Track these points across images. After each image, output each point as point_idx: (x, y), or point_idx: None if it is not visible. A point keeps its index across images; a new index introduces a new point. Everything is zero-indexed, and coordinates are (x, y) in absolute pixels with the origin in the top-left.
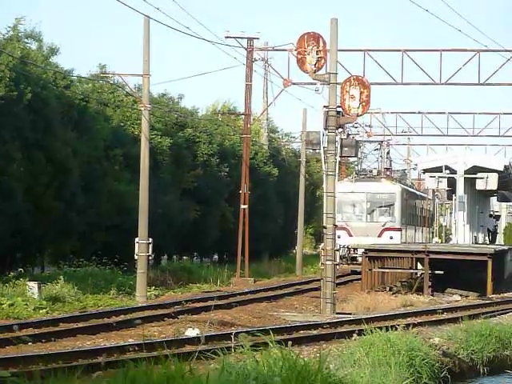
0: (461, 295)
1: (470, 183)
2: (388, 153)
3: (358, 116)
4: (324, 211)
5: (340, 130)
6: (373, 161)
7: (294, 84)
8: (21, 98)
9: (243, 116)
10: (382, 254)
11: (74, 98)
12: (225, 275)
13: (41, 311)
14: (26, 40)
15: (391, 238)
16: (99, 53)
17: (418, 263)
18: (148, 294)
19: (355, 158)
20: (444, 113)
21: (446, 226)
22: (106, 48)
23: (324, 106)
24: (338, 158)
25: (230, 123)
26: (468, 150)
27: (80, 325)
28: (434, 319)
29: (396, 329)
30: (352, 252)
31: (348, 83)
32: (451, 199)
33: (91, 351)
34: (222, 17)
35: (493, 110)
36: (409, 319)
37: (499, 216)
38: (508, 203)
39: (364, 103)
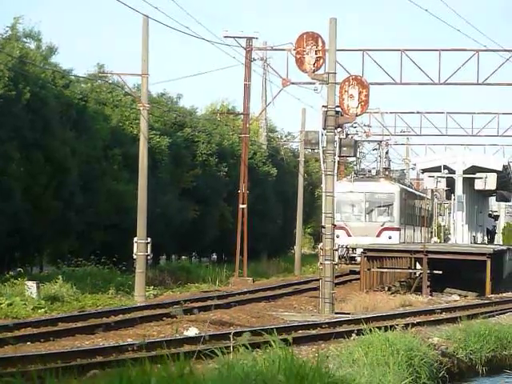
0: (459, 295)
1: (468, 183)
2: (387, 153)
3: (356, 116)
4: (323, 211)
5: (339, 129)
6: (372, 161)
7: (292, 84)
8: (19, 98)
9: (242, 116)
10: (381, 253)
11: (72, 97)
12: (223, 275)
13: (39, 311)
14: (24, 39)
15: (390, 237)
16: (98, 52)
17: (417, 263)
18: (146, 293)
19: (354, 158)
20: (443, 113)
21: (444, 226)
22: (105, 47)
23: (323, 106)
24: (337, 158)
25: (229, 123)
26: (467, 150)
27: (79, 324)
28: (432, 319)
29: (395, 329)
30: (351, 252)
31: (347, 83)
32: (450, 199)
33: (90, 351)
34: (222, 17)
35: (492, 110)
36: (407, 319)
37: (498, 216)
38: (507, 203)
39: (363, 103)
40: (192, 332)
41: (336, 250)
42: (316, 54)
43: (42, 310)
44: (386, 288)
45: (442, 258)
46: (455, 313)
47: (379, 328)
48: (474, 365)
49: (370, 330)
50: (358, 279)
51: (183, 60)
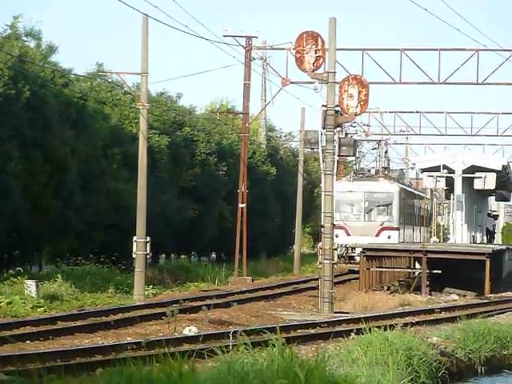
0: (459, 295)
1: (468, 183)
2: (386, 152)
3: (356, 115)
4: (322, 210)
5: (338, 129)
6: (371, 160)
7: (292, 83)
8: (19, 97)
9: (241, 115)
10: (380, 253)
11: (72, 96)
12: (223, 274)
13: (39, 309)
14: (24, 38)
15: (389, 237)
16: (98, 51)
17: (416, 262)
18: (146, 292)
19: (353, 158)
20: (442, 112)
21: (443, 226)
22: (104, 46)
23: (322, 105)
24: (336, 157)
25: (228, 122)
26: (466, 150)
27: (78, 323)
28: (431, 318)
29: (394, 328)
30: (350, 251)
31: (346, 82)
32: (449, 199)
33: (89, 350)
34: (221, 16)
35: (491, 110)
36: (407, 318)
37: (497, 215)
38: (506, 203)
39: (362, 102)
40: (191, 331)
41: (335, 249)
42: (316, 53)
43: (42, 308)
44: (385, 287)
45: (441, 258)
46: (454, 312)
47: (378, 327)
48: (473, 364)
49: (370, 330)
50: (357, 279)
51: (183, 59)
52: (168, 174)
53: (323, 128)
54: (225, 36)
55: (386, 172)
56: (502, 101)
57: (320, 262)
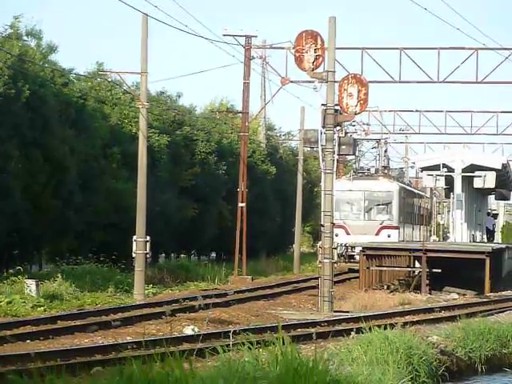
0: (458, 293)
1: (467, 181)
2: (386, 151)
3: (355, 114)
4: (322, 209)
5: (338, 128)
6: (370, 159)
7: (291, 82)
8: (19, 96)
9: (241, 114)
10: (380, 252)
11: (71, 95)
12: (222, 273)
13: (39, 309)
14: (25, 38)
15: (389, 236)
16: (98, 51)
17: (416, 261)
18: (146, 291)
19: (353, 157)
20: (442, 111)
21: (443, 225)
22: (104, 46)
23: (322, 104)
24: (336, 156)
25: (228, 121)
26: (466, 149)
27: (78, 323)
28: (431, 317)
29: (394, 327)
30: (350, 250)
31: (346, 81)
32: (449, 197)
33: (89, 349)
34: (221, 16)
35: (491, 109)
36: (407, 317)
37: (497, 214)
38: (506, 201)
39: (362, 101)
40: (191, 330)
41: (335, 248)
42: (315, 52)
43: (42, 308)
44: (385, 286)
45: (440, 257)
46: (454, 311)
47: (378, 326)
48: (473, 363)
49: (370, 329)
50: (357, 278)
51: (182, 59)
52: (168, 174)
53: (323, 127)
54: (224, 35)
55: (386, 171)
56: (502, 99)
57: (320, 261)
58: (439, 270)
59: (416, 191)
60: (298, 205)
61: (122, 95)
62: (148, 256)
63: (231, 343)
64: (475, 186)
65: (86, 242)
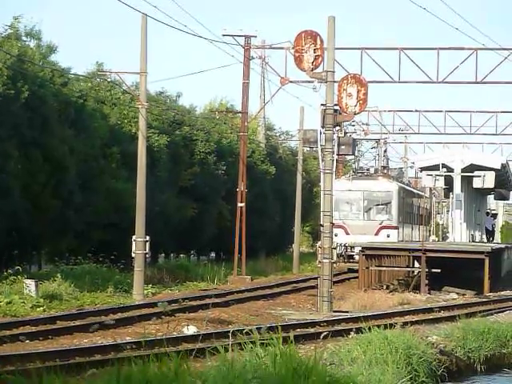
0: (458, 293)
1: (466, 181)
2: (385, 151)
3: (355, 114)
4: (321, 209)
5: (337, 128)
6: (370, 159)
7: (291, 82)
8: (18, 96)
9: (240, 114)
10: (379, 252)
11: (71, 95)
12: (222, 273)
13: (38, 309)
14: (25, 38)
15: (388, 236)
16: (97, 51)
17: (415, 261)
18: (145, 291)
19: (352, 156)
20: (441, 111)
21: (442, 225)
22: (104, 46)
23: (321, 104)
24: (336, 156)
25: (227, 121)
26: (465, 149)
27: (77, 323)
28: (431, 317)
29: (393, 327)
30: (349, 250)
31: (345, 81)
32: (448, 197)
33: (88, 349)
34: (221, 16)
35: (490, 109)
36: (406, 317)
37: (496, 214)
38: (505, 201)
39: (361, 101)
40: (190, 330)
41: (334, 248)
42: (314, 52)
43: (41, 308)
44: (385, 286)
45: (440, 257)
46: (453, 311)
47: (378, 326)
48: (472, 363)
49: (369, 329)
50: (357, 277)
51: (182, 59)
52: (167, 174)
53: (322, 127)
54: (224, 35)
55: (385, 171)
56: (501, 99)
57: (319, 261)
58: (438, 270)
59: (415, 191)
60: (297, 205)
61: (121, 95)
62: (147, 256)
63: (230, 343)
64: (474, 185)
65: (86, 241)
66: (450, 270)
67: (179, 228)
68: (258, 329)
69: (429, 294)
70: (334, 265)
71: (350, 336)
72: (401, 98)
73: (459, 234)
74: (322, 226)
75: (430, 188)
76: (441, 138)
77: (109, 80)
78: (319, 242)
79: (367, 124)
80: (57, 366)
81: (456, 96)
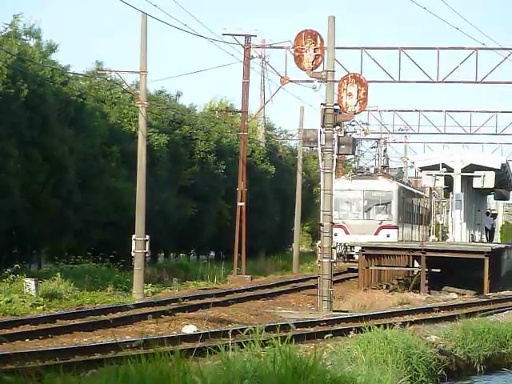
0: (458, 293)
1: (466, 181)
2: (385, 151)
3: (355, 114)
4: (321, 209)
5: (337, 127)
6: (370, 159)
7: (291, 81)
8: (18, 95)
9: (240, 113)
10: (379, 251)
11: (71, 94)
12: (221, 272)
13: (38, 308)
14: (24, 37)
15: (388, 235)
16: (97, 50)
17: (415, 261)
18: (145, 291)
19: (352, 156)
20: (441, 111)
21: (442, 224)
22: (104, 45)
23: (321, 104)
24: (335, 156)
25: (227, 121)
26: (465, 148)
27: (77, 322)
28: (430, 317)
29: (393, 327)
30: (349, 250)
31: (345, 81)
32: (448, 197)
33: (88, 348)
34: (221, 16)
35: (490, 108)
36: (406, 317)
37: (496, 214)
38: (505, 201)
39: (361, 101)
40: (190, 329)
41: (334, 247)
42: (314, 51)
43: (41, 307)
44: (384, 286)
45: (440, 257)
46: (453, 311)
47: (377, 326)
48: (472, 363)
49: (369, 328)
50: (356, 277)
51: (182, 58)
52: (167, 173)
53: (322, 126)
54: (224, 35)
55: (385, 170)
56: (501, 99)
57: (319, 261)
58: (438, 270)
59: (415, 191)
60: (297, 204)
61: (121, 94)
62: (147, 255)
63: (230, 342)
64: (474, 185)
65: (85, 241)
66: (450, 269)
67: (179, 227)
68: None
69: (428, 293)
70: (334, 264)
71: (350, 335)
72: (401, 98)
73: (459, 233)
74: (322, 225)
75: (430, 188)
76: (441, 138)
77: (109, 79)
78: (319, 242)
79: (367, 124)
80: (57, 365)
81: (456, 96)
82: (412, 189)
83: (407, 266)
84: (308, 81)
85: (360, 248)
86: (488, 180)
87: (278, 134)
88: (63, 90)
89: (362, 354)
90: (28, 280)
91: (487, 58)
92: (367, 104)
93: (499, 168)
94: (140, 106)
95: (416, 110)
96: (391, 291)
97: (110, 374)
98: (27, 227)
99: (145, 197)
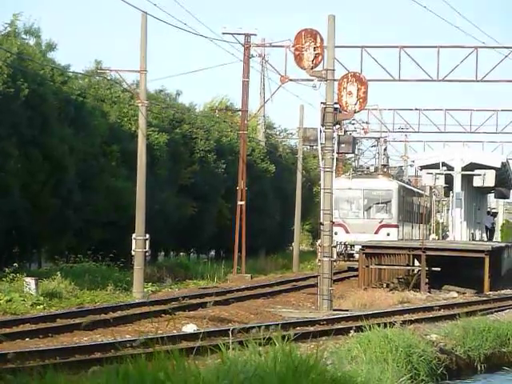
0: (458, 292)
1: (467, 180)
2: (385, 149)
3: (355, 112)
4: (321, 208)
5: (337, 126)
6: (370, 157)
7: (291, 80)
8: (18, 95)
9: (240, 112)
10: (379, 250)
11: (71, 93)
12: (221, 271)
13: (38, 307)
14: (24, 36)
15: (388, 234)
16: (97, 49)
17: (415, 260)
18: (145, 290)
19: (352, 155)
20: (441, 109)
21: (443, 223)
22: (103, 44)
23: (321, 103)
24: (335, 155)
25: (227, 119)
26: (465, 147)
27: (77, 321)
28: (431, 316)
29: (393, 325)
30: (349, 248)
31: (345, 80)
32: (448, 196)
33: (88, 347)
34: (221, 16)
35: (490, 107)
36: (406, 316)
37: (496, 213)
38: (505, 200)
39: (361, 100)
40: (190, 328)
41: (334, 246)
42: (314, 50)
43: (41, 306)
44: (385, 285)
45: (440, 255)
46: (453, 310)
47: (378, 325)
48: (472, 362)
49: (369, 327)
50: (357, 276)
51: (182, 57)
52: (167, 172)
53: (322, 125)
54: (224, 34)
55: (385, 169)
56: (502, 98)
57: (319, 260)
58: (438, 269)
59: (415, 190)
60: (297, 203)
61: (121, 93)
62: (147, 254)
63: (231, 341)
64: (475, 184)
65: (85, 240)
66: (450, 268)
67: (179, 226)
68: (259, 327)
69: (429, 292)
70: (334, 263)
71: (350, 334)
72: (401, 97)
73: (459, 232)
74: (322, 224)
75: (430, 186)
76: (441, 137)
77: (108, 78)
78: (319, 241)
79: (367, 122)
80: (57, 364)
81: (456, 94)
82: (412, 187)
83: (407, 265)
84: (308, 80)
85: (360, 247)
86: (488, 179)
87: (278, 132)
88: (63, 90)
89: (363, 352)
90: (28, 279)
91: (487, 56)
92: (367, 103)
93: (499, 167)
94: (140, 105)
95: (416, 109)
96: (391, 290)
97: (110, 373)
98: (27, 227)
99: (145, 196)
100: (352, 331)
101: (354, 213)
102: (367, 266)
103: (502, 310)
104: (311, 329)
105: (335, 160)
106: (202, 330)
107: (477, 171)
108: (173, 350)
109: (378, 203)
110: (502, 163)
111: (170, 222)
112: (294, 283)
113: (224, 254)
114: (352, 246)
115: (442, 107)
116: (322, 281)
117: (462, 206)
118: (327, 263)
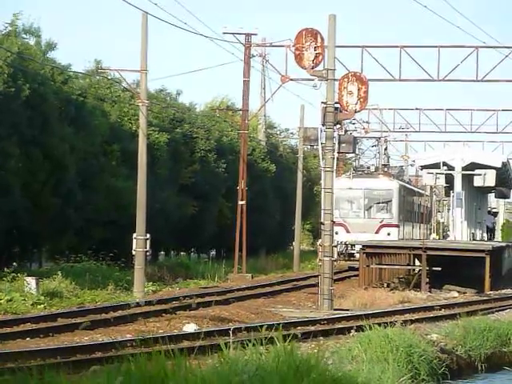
0: (458, 292)
1: (467, 180)
2: (386, 149)
3: (355, 112)
4: (322, 207)
5: (338, 126)
6: (370, 157)
7: (291, 80)
8: (18, 94)
9: (241, 112)
10: (380, 250)
11: (71, 93)
12: (222, 271)
13: (39, 306)
14: (24, 35)
15: (389, 234)
16: (97, 49)
17: (416, 259)
18: (145, 289)
19: (353, 155)
20: (442, 109)
21: (443, 223)
22: (104, 44)
23: (322, 102)
24: (336, 154)
25: (228, 119)
26: (466, 147)
27: (78, 320)
28: (431, 316)
29: (394, 325)
30: (350, 248)
31: (346, 79)
32: (449, 196)
33: (89, 346)
34: (222, 16)
35: (491, 107)
36: (406, 315)
37: (497, 213)
38: (506, 200)
39: (362, 99)
40: (191, 328)
41: (335, 246)
42: (315, 50)
43: (42, 305)
44: (385, 284)
45: (440, 255)
46: (454, 309)
47: (378, 324)
48: (473, 361)
49: (370, 327)
50: (357, 276)
51: (182, 57)
52: (167, 171)
53: (323, 125)
54: (224, 33)
55: (386, 169)
56: (502, 98)
57: (320, 259)
58: (439, 268)
59: (416, 189)
60: (297, 203)
61: (121, 93)
62: (148, 254)
63: (231, 340)
64: (475, 184)
65: (86, 239)
66: (451, 268)
67: (179, 226)
68: (260, 327)
69: (429, 292)
70: (335, 263)
71: (351, 334)
72: (401, 96)
73: (460, 232)
74: (323, 224)
75: (431, 186)
76: (441, 137)
77: (109, 78)
78: (320, 240)
79: (368, 122)
80: (58, 364)
81: (457, 94)
82: (413, 187)
83: (408, 265)
84: (308, 79)
85: (361, 246)
86: (489, 178)
87: (278, 132)
88: (64, 89)
89: (363, 352)
90: (29, 279)
91: (488, 56)
92: (368, 102)
93: (500, 166)
94: (140, 104)
95: (417, 109)
96: (392, 290)
97: (110, 372)
98: (28, 226)
99: (145, 195)
100: (353, 331)
101: (355, 212)
102: (368, 266)
103: (503, 310)
104: (312, 328)
105: (336, 160)
106: (203, 330)
107: (477, 171)
108: (173, 349)
109: (379, 203)
110: (503, 163)
111: (171, 221)
112: (295, 283)
113: (225, 253)
114: (353, 245)
115: (442, 107)
116: (323, 280)
117: (463, 205)
118: (328, 263)
